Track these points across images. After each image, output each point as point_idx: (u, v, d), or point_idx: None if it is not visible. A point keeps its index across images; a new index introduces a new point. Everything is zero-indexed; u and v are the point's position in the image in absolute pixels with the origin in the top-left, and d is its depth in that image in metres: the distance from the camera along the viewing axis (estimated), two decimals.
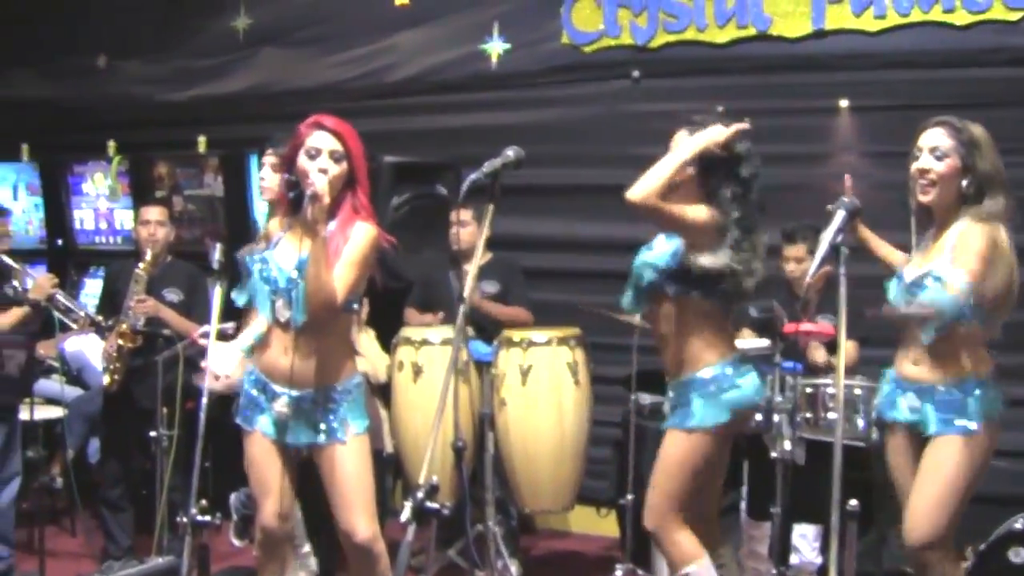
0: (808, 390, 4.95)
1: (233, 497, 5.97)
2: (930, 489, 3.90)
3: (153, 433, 5.49)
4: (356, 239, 3.88)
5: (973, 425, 3.88)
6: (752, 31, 6.46)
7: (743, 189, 4.03)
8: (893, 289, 4.13)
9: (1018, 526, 4.48)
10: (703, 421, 4.02)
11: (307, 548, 5.43)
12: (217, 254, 4.18)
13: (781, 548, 5.06)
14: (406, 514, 3.08)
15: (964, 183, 3.95)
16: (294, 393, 3.96)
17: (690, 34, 6.62)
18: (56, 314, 6.03)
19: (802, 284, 4.90)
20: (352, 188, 3.95)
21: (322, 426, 3.98)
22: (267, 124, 6.47)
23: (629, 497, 5.57)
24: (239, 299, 4.20)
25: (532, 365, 5.67)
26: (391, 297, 5.81)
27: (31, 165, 8.54)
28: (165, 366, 5.45)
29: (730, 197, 4.01)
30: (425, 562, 5.35)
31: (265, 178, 5.07)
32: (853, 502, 3.77)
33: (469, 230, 6.06)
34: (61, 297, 6.02)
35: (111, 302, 6.15)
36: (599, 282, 6.09)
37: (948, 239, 3.95)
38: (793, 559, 5.48)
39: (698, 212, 3.98)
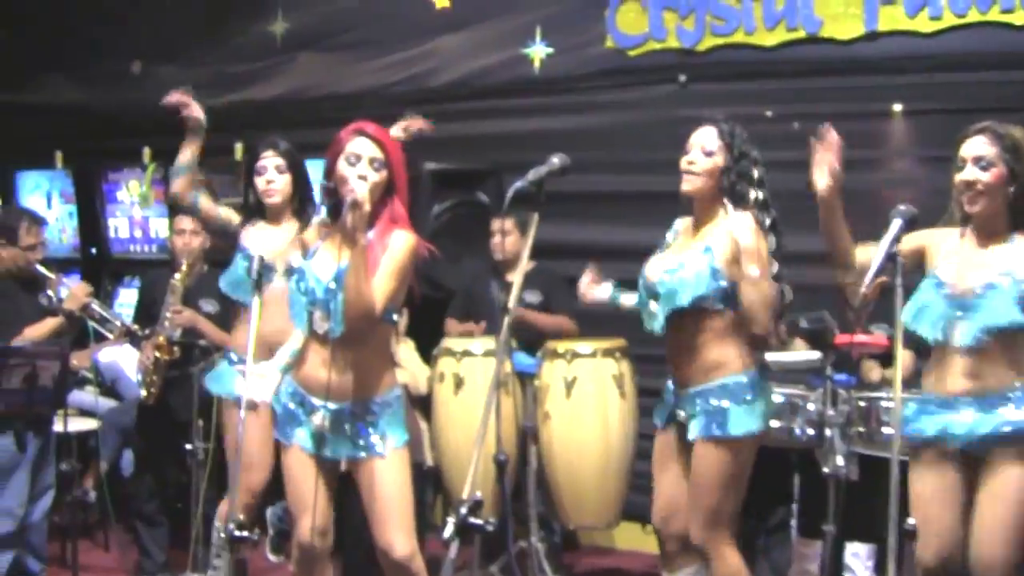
0: (862, 403, 4.93)
1: (269, 512, 6.00)
2: (1002, 512, 3.81)
3: (189, 446, 5.52)
4: (395, 248, 3.89)
5: None
6: (802, 33, 6.44)
7: (765, 193, 4.09)
8: (933, 299, 4.00)
9: None
10: (746, 428, 4.06)
11: None
12: (255, 264, 4.19)
13: (833, 567, 5.02)
14: (449, 530, 3.09)
15: (1011, 190, 3.91)
16: (332, 406, 3.98)
17: (738, 37, 6.60)
18: (91, 324, 6.08)
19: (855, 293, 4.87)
20: (390, 197, 3.96)
21: (361, 440, 3.99)
22: (305, 130, 6.51)
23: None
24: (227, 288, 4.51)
25: (576, 377, 5.67)
26: (431, 307, 5.83)
27: (65, 172, 8.64)
28: (202, 377, 5.48)
29: (762, 200, 4.10)
30: None
31: (274, 180, 5.06)
32: (911, 520, 3.74)
33: (512, 239, 6.07)
34: (96, 307, 6.05)
35: (147, 313, 6.19)
36: None
37: (1014, 254, 3.89)
38: None
39: (761, 241, 4.09)
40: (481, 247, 6.35)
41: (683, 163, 4.22)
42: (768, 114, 6.59)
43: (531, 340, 5.99)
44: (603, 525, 6.09)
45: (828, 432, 4.79)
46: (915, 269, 4.07)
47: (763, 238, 4.13)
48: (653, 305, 4.20)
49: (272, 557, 6.14)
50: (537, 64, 7.26)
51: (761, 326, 4.09)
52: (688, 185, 4.20)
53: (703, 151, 4.19)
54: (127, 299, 7.96)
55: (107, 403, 7.05)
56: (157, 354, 5.85)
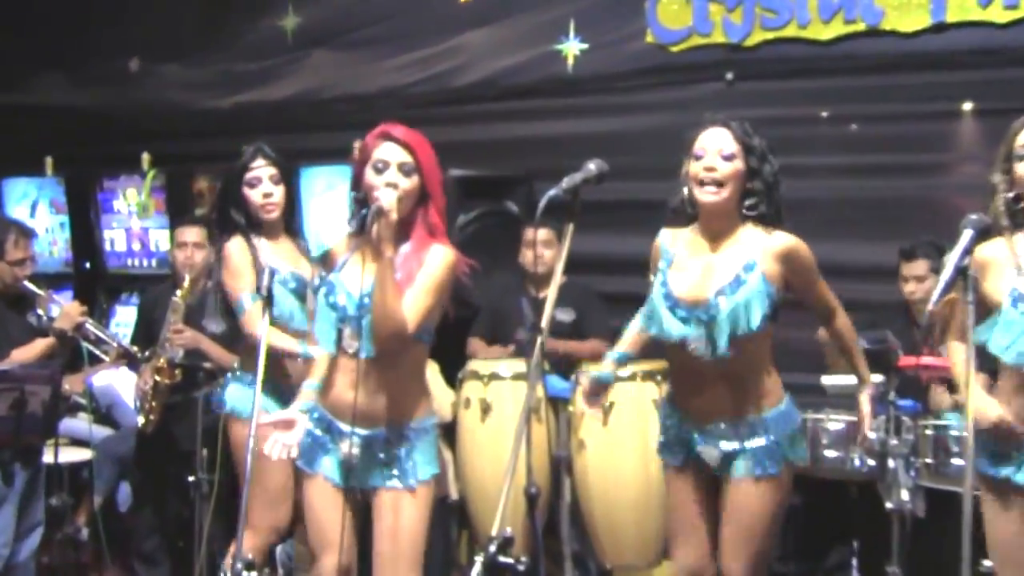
0: (929, 432, 4.91)
1: (279, 550, 6.00)
2: None
3: (192, 478, 5.53)
4: (432, 263, 3.90)
5: None
6: (861, 26, 6.43)
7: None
8: (1017, 318, 3.93)
9: None
10: (795, 460, 4.07)
11: None
12: (265, 279, 4.21)
13: None
14: (477, 570, 3.09)
15: None
16: (363, 432, 3.98)
17: (790, 31, 6.60)
18: (85, 345, 6.09)
19: (922, 308, 4.86)
20: (424, 205, 3.97)
21: (395, 468, 3.99)
22: (318, 133, 6.55)
23: None
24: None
25: (614, 402, 5.66)
26: (456, 326, 5.84)
27: (56, 180, 8.67)
28: (206, 404, 5.49)
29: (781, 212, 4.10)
30: None
31: (272, 193, 5.00)
32: (987, 563, 3.72)
33: (551, 253, 6.10)
34: (90, 326, 6.07)
35: (147, 333, 6.21)
36: None
37: None
38: None
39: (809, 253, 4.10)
40: (510, 261, 6.36)
41: (698, 170, 4.04)
42: (823, 115, 6.60)
43: (565, 362, 5.99)
44: (644, 564, 6.06)
45: (891, 463, 4.77)
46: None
47: None
48: (695, 331, 4.02)
49: None
50: (571, 61, 7.28)
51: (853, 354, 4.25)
52: (712, 196, 4.01)
53: (721, 155, 4.02)
54: (124, 318, 7.99)
55: (102, 431, 7.07)
56: (157, 378, 5.85)
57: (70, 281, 8.48)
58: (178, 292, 5.89)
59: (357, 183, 3.97)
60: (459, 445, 5.95)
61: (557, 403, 5.86)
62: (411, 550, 4.02)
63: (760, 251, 3.99)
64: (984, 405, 3.90)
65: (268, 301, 4.17)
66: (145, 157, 8.17)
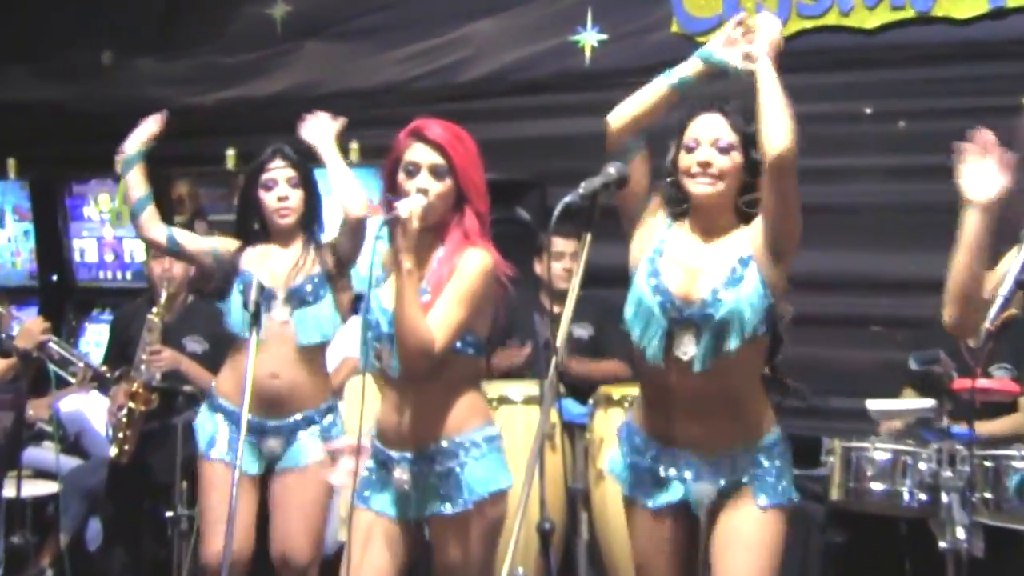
0: (987, 463, 4.90)
1: None
2: None
3: (169, 513, 5.54)
4: (465, 270, 3.86)
5: None
6: (910, 12, 6.45)
7: None
8: None
9: None
10: (793, 490, 4.00)
11: None
12: (252, 293, 4.22)
13: None
14: None
15: None
16: (410, 455, 3.98)
17: (831, 19, 6.63)
18: (52, 367, 6.10)
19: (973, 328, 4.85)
20: (460, 208, 3.96)
21: (445, 491, 3.96)
22: None
23: None
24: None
25: None
26: None
27: (19, 184, 8.68)
28: (186, 431, 5.50)
29: None
30: None
31: (287, 197, 5.01)
32: None
33: (567, 264, 6.12)
34: (54, 345, 6.09)
35: (120, 353, 6.23)
36: None
37: None
38: None
39: None
40: (521, 273, 6.36)
41: (690, 164, 3.88)
42: (867, 111, 6.60)
43: (581, 385, 6.00)
44: None
45: (945, 498, 4.77)
46: None
47: None
48: (688, 334, 3.84)
49: None
50: (588, 54, 7.31)
51: None
52: (707, 187, 3.86)
53: (717, 147, 3.86)
54: (95, 336, 8.02)
55: (70, 462, 7.05)
56: (131, 403, 5.87)
57: (35, 295, 8.51)
58: (155, 308, 5.91)
59: (390, 186, 3.96)
60: None
61: (573, 429, 5.87)
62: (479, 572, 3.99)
63: (748, 242, 3.90)
64: None
65: (256, 317, 4.19)
66: (118, 159, 8.18)
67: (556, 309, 6.18)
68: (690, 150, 3.90)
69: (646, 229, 4.01)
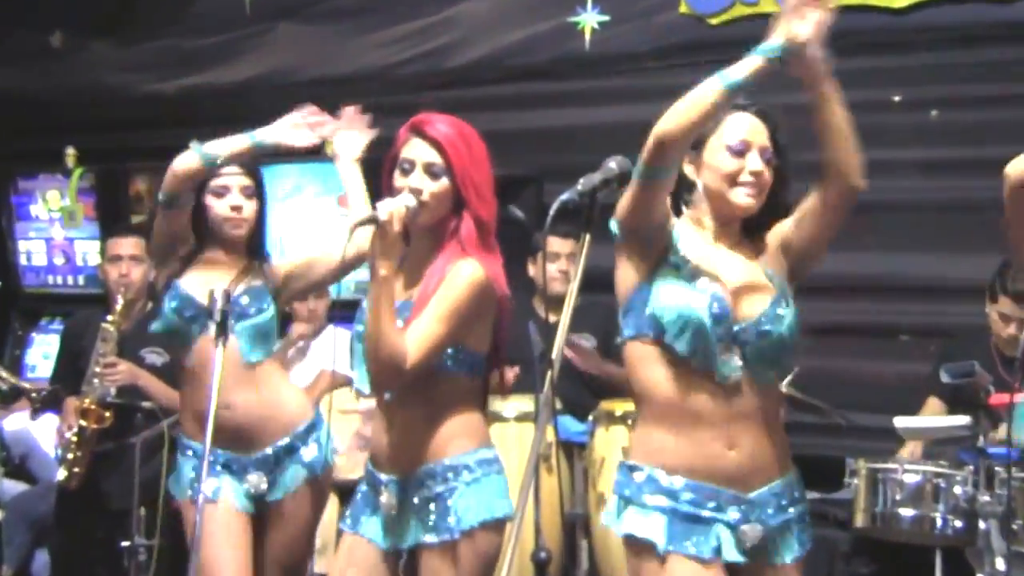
0: None
1: None
2: None
3: (126, 543, 5.54)
4: (451, 283, 3.84)
5: None
6: None
7: None
8: None
9: None
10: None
11: None
12: (219, 302, 4.23)
13: None
14: None
15: None
16: (397, 478, 4.00)
17: None
18: None
19: (1014, 338, 4.87)
20: (458, 213, 3.94)
21: (430, 518, 3.97)
22: None
23: None
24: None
25: None
26: None
27: None
28: (145, 451, 5.50)
29: None
30: None
31: (241, 207, 4.87)
32: None
33: (563, 266, 6.14)
34: None
35: (72, 366, 6.22)
36: None
37: None
38: None
39: None
40: (515, 276, 6.36)
41: (739, 169, 3.77)
42: (896, 99, 6.62)
43: (580, 400, 6.01)
44: None
45: (982, 524, 4.79)
46: None
47: None
48: (733, 351, 3.72)
49: None
50: (588, 36, 7.31)
51: None
52: (751, 202, 3.77)
53: (763, 157, 3.79)
54: (45, 347, 8.02)
55: (14, 487, 7.08)
56: (83, 422, 5.85)
57: None
58: (110, 316, 5.91)
59: (387, 186, 3.96)
60: None
61: (572, 449, 5.88)
62: None
63: (771, 258, 3.87)
64: None
65: (222, 327, 4.19)
66: (70, 152, 8.21)
67: (552, 317, 6.20)
68: (739, 153, 3.77)
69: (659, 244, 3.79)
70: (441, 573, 3.90)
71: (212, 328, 4.34)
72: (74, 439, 5.90)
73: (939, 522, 5.05)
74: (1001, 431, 5.16)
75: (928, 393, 5.56)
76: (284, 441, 4.77)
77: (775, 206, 3.81)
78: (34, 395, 6.08)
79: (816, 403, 5.23)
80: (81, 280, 8.28)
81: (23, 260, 8.51)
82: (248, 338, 4.78)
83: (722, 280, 3.75)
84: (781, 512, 3.75)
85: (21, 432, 7.20)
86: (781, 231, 3.81)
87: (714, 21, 6.98)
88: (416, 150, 3.91)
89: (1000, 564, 4.69)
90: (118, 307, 5.94)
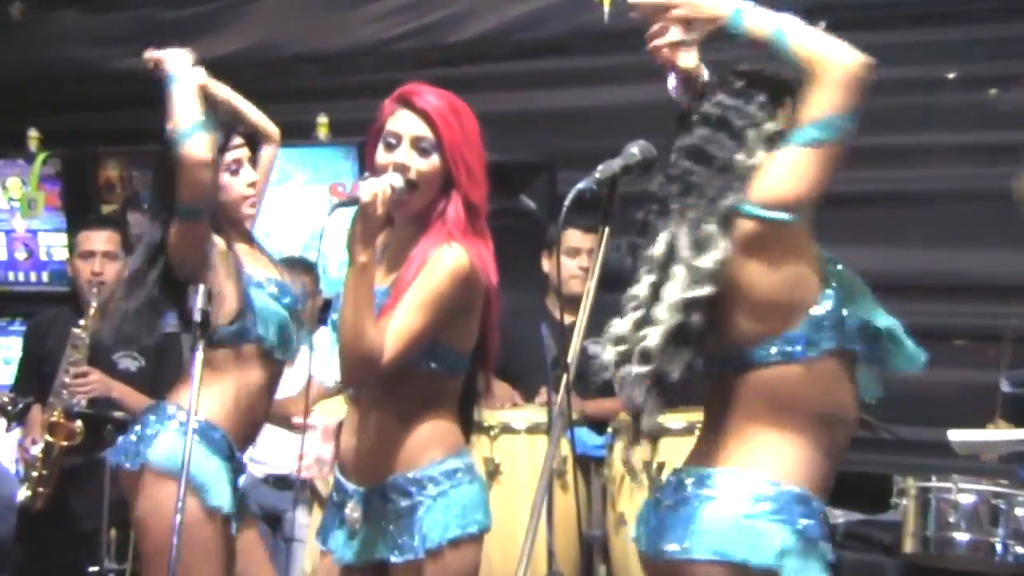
0: None
1: None
2: None
3: (95, 568, 5.55)
4: (431, 272, 3.84)
5: None
6: None
7: None
8: None
9: None
10: None
11: None
12: (199, 300, 4.24)
13: None
14: None
15: None
16: (363, 490, 4.01)
17: None
18: None
19: None
20: (446, 194, 3.95)
21: (397, 535, 3.97)
22: (275, 104, 6.56)
23: None
24: None
25: (665, 462, 5.68)
26: None
27: None
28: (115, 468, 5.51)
29: None
30: None
31: (255, 181, 4.91)
32: None
33: (584, 262, 6.16)
34: None
35: (36, 373, 6.24)
36: None
37: None
38: None
39: None
40: (527, 273, 6.38)
41: None
42: (949, 77, 6.62)
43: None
44: None
45: None
46: None
47: None
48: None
49: None
50: (607, 8, 7.31)
51: None
52: None
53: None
54: (5, 351, 8.03)
55: None
56: (50, 437, 5.86)
57: None
58: (82, 321, 5.88)
59: (370, 162, 3.96)
60: None
61: (589, 464, 5.90)
62: None
63: None
64: None
65: (203, 326, 4.19)
66: (32, 135, 8.22)
67: (568, 318, 6.21)
68: None
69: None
70: None
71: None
72: (40, 456, 5.90)
73: (999, 548, 5.04)
74: None
75: (995, 408, 5.56)
76: None
77: None
78: (9, 408, 6.07)
79: (861, 416, 5.23)
80: (45, 276, 8.29)
81: None
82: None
83: None
84: None
85: None
86: None
87: None
88: (403, 123, 3.89)
89: None
90: (91, 311, 5.89)
